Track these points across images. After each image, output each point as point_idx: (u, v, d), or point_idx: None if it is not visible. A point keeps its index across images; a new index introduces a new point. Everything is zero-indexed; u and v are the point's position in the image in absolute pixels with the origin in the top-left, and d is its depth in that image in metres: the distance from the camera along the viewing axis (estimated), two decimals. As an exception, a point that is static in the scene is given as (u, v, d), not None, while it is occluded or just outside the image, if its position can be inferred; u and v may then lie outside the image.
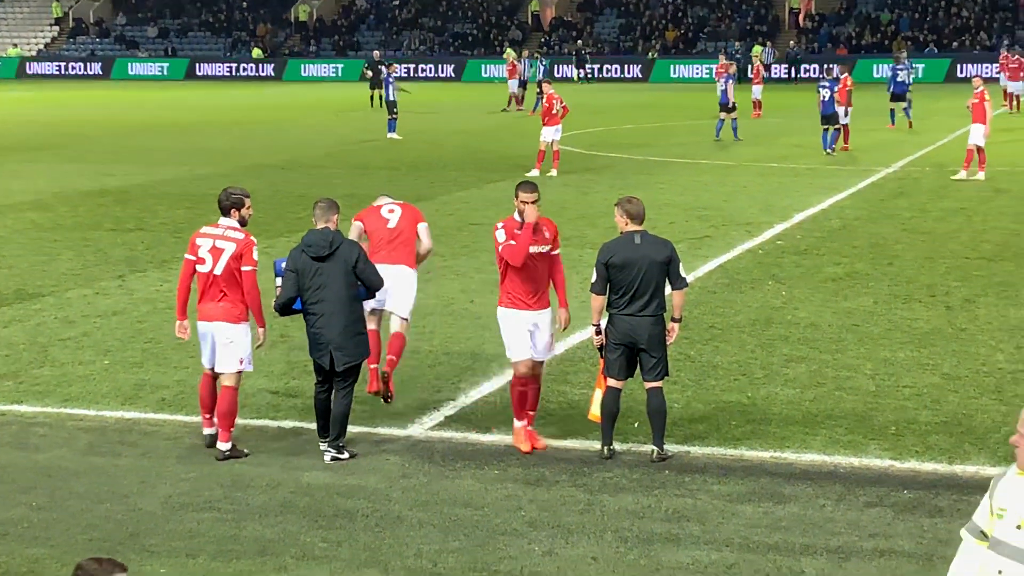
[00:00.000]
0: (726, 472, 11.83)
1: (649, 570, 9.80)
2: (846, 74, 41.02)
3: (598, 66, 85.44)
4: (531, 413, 12.56)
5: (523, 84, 60.73)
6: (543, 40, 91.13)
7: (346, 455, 12.19)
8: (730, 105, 43.52)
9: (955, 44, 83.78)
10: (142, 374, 15.27)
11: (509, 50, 72.51)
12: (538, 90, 46.07)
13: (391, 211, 14.16)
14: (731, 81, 44.66)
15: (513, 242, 12.23)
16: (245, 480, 11.72)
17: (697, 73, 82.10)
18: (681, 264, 12.24)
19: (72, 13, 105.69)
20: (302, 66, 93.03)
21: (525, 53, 65.98)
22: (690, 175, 33.91)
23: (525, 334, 12.35)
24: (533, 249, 12.25)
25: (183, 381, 14.65)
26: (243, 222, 12.44)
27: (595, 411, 12.29)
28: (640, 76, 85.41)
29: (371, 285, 12.32)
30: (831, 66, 44.68)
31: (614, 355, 12.13)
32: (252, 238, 12.34)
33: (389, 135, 44.80)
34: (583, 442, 12.55)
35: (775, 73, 78.90)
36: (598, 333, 12.26)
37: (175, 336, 12.89)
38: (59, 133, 47.68)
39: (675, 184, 31.86)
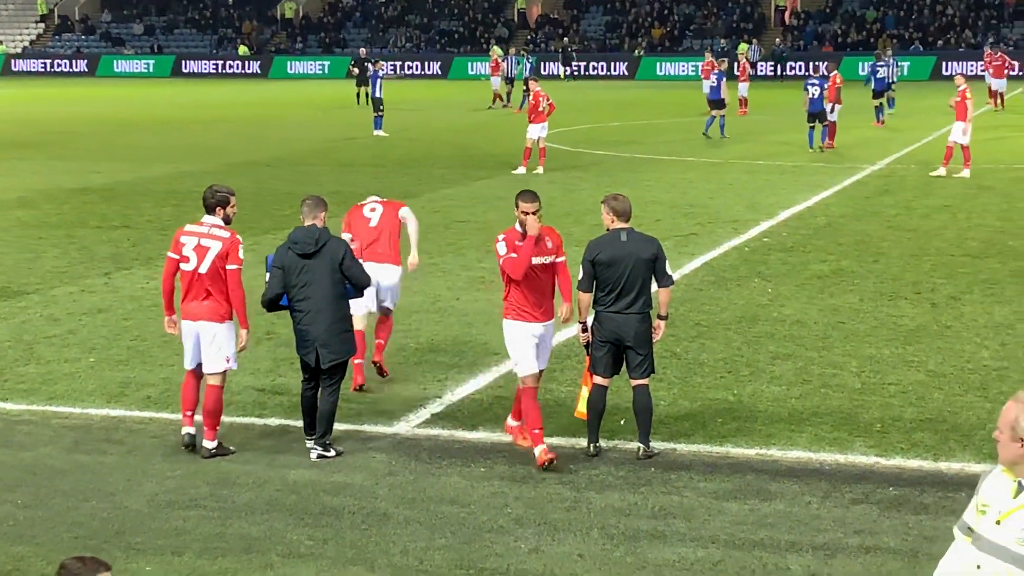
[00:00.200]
0: (712, 469, 11.84)
1: (635, 567, 9.80)
2: (835, 72, 41.11)
3: (584, 63, 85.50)
4: (537, 432, 12.05)
5: (510, 81, 60.74)
6: (529, 37, 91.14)
7: (332, 453, 12.18)
8: (721, 102, 43.67)
9: (940, 42, 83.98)
10: (128, 372, 15.24)
11: (495, 47, 72.52)
12: (524, 87, 46.07)
13: (372, 210, 14.68)
14: (724, 79, 44.88)
15: (515, 255, 11.92)
16: (231, 478, 11.71)
17: (683, 70, 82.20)
18: (667, 262, 12.25)
19: (57, 10, 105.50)
20: (288, 63, 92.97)
21: (511, 51, 65.91)
22: (676, 172, 33.93)
23: (532, 347, 12.09)
24: (536, 260, 11.96)
25: (169, 379, 14.62)
26: (228, 220, 12.40)
27: (582, 408, 12.30)
28: (626, 73, 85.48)
29: (357, 282, 12.31)
30: (819, 64, 44.75)
31: (600, 352, 12.13)
32: (238, 236, 12.30)
33: (375, 132, 44.78)
34: (569, 439, 12.56)
35: (761, 71, 78.99)
36: (584, 330, 12.26)
37: (164, 332, 12.85)
38: (44, 131, 47.58)
39: (661, 181, 31.88)
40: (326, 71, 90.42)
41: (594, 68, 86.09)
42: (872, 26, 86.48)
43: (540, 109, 34.15)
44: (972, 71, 65.91)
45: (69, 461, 12.23)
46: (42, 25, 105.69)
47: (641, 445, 12.14)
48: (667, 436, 12.65)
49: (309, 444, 12.25)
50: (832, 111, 39.51)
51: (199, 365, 12.37)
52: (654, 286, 12.20)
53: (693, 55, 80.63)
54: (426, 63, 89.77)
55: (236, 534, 10.45)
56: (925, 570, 9.62)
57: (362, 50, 66.42)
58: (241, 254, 12.21)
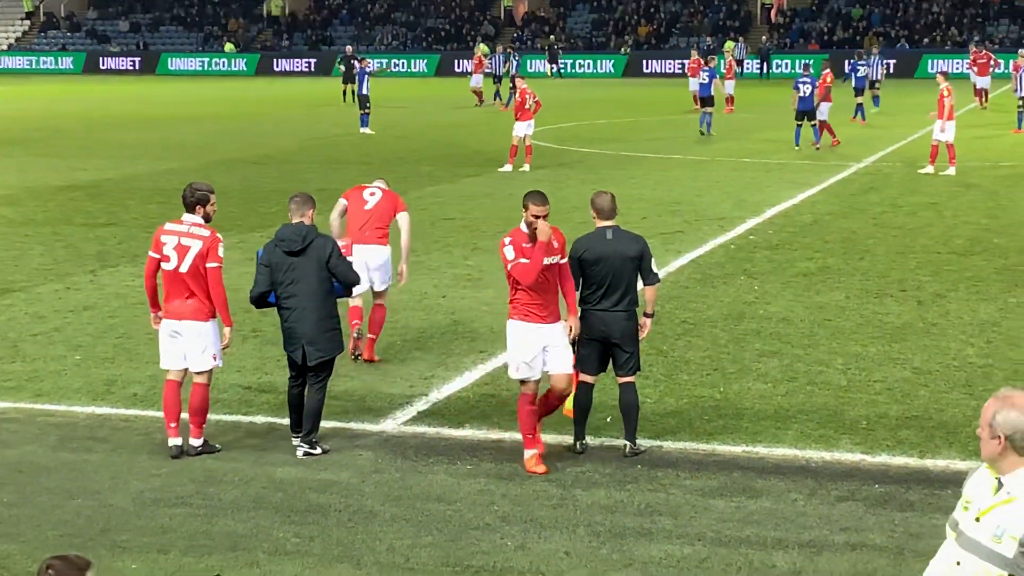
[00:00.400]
0: (698, 467, 11.85)
1: (621, 564, 9.81)
2: (827, 70, 41.19)
3: (570, 62, 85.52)
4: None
5: (498, 79, 60.68)
6: (515, 35, 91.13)
7: (319, 450, 12.17)
8: (712, 100, 43.81)
9: (926, 40, 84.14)
10: (113, 369, 15.21)
11: (482, 45, 72.49)
12: (511, 85, 46.06)
13: (372, 194, 15.45)
14: (716, 76, 45.00)
15: (525, 260, 11.56)
16: (217, 475, 11.69)
17: (669, 68, 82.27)
18: (653, 259, 12.25)
19: (43, 7, 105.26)
20: (274, 61, 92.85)
21: (499, 48, 65.90)
22: (663, 170, 33.95)
23: (536, 352, 11.74)
24: (544, 261, 11.65)
25: (154, 376, 14.58)
26: (208, 218, 12.33)
27: (568, 406, 12.30)
28: (613, 71, 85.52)
29: (344, 280, 12.29)
30: (807, 62, 44.85)
31: (587, 350, 12.13)
32: (218, 235, 12.25)
33: (362, 130, 44.74)
34: (555, 436, 12.55)
35: (747, 69, 79.07)
36: (569, 328, 12.25)
37: (150, 329, 12.82)
38: (30, 128, 47.47)
39: (648, 179, 31.90)
40: (312, 69, 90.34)
41: (580, 66, 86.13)
42: (858, 24, 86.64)
43: (526, 107, 34.13)
44: (958, 69, 66.02)
45: (54, 459, 12.20)
46: (28, 22, 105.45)
47: (627, 442, 12.14)
48: (653, 433, 12.66)
49: (295, 442, 12.24)
50: (820, 110, 39.52)
51: (181, 372, 12.31)
52: (640, 284, 12.20)
53: (680, 53, 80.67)
54: (413, 61, 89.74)
55: (222, 532, 10.44)
56: (911, 567, 9.65)
57: (348, 48, 66.35)
58: (221, 252, 12.16)
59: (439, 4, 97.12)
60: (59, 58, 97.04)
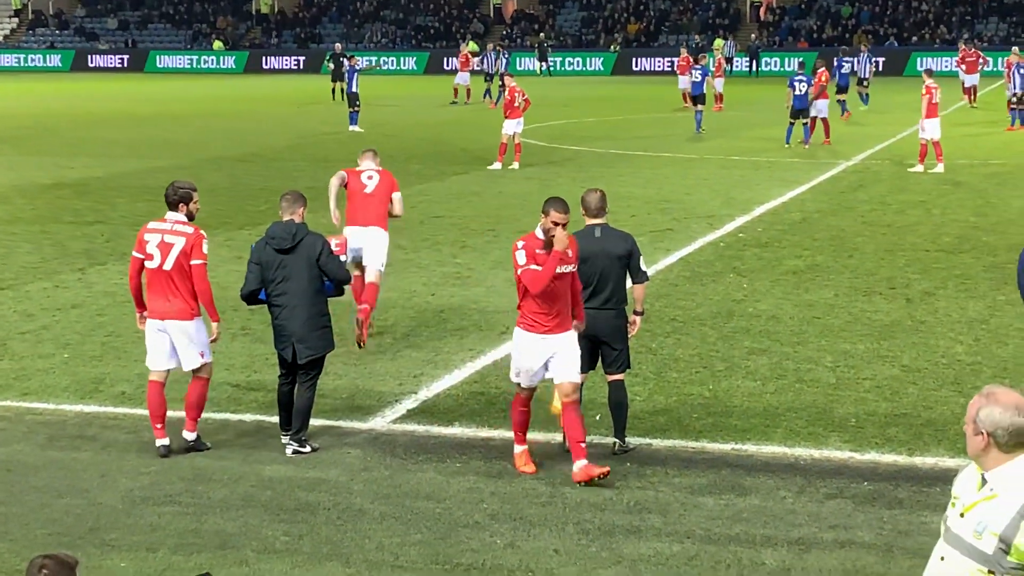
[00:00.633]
0: (687, 464, 11.86)
1: (611, 562, 9.81)
2: (823, 68, 41.25)
3: (559, 59, 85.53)
4: (582, 445, 11.37)
5: (490, 77, 60.63)
6: (505, 33, 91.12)
7: (308, 449, 12.16)
8: (704, 98, 43.87)
9: (915, 38, 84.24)
10: (102, 368, 15.19)
11: (472, 43, 72.43)
12: (500, 83, 46.04)
13: (370, 177, 16.47)
14: (708, 74, 45.04)
15: (536, 267, 11.18)
16: (206, 474, 11.68)
17: (659, 66, 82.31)
18: (642, 258, 12.24)
19: (31, 5, 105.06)
20: (263, 58, 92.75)
21: (489, 46, 65.88)
22: (652, 168, 33.96)
23: (538, 364, 11.43)
24: (557, 270, 11.26)
25: (142, 375, 14.50)
26: (191, 216, 12.31)
27: (557, 404, 12.29)
28: (602, 69, 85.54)
29: (335, 278, 12.27)
30: (802, 60, 44.96)
31: (576, 348, 12.11)
32: (201, 232, 12.23)
33: (351, 128, 44.70)
34: (545, 435, 12.55)
35: (736, 66, 79.12)
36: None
37: (138, 328, 12.79)
38: (18, 125, 47.38)
39: (637, 177, 31.91)
40: (301, 66, 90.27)
41: (570, 64, 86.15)
42: (847, 22, 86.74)
43: (516, 105, 34.12)
44: (947, 67, 66.15)
45: (43, 457, 12.18)
46: (16, 20, 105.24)
47: (616, 440, 12.15)
48: (642, 431, 12.66)
49: (285, 440, 12.23)
50: (817, 108, 39.56)
51: (164, 372, 12.28)
52: (629, 282, 12.20)
53: (669, 51, 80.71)
54: (402, 59, 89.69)
55: (211, 530, 10.43)
56: (899, 564, 9.66)
57: (337, 46, 66.29)
58: (205, 249, 12.15)
59: (428, 2, 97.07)
60: (47, 56, 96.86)
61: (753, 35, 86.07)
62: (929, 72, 34.34)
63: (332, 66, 58.87)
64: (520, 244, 11.37)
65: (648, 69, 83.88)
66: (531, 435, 12.51)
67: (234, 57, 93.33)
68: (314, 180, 30.05)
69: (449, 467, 11.83)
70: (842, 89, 48.25)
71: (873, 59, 55.21)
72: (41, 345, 16.22)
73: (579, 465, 11.31)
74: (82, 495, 11.20)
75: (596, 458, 11.80)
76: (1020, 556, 5.78)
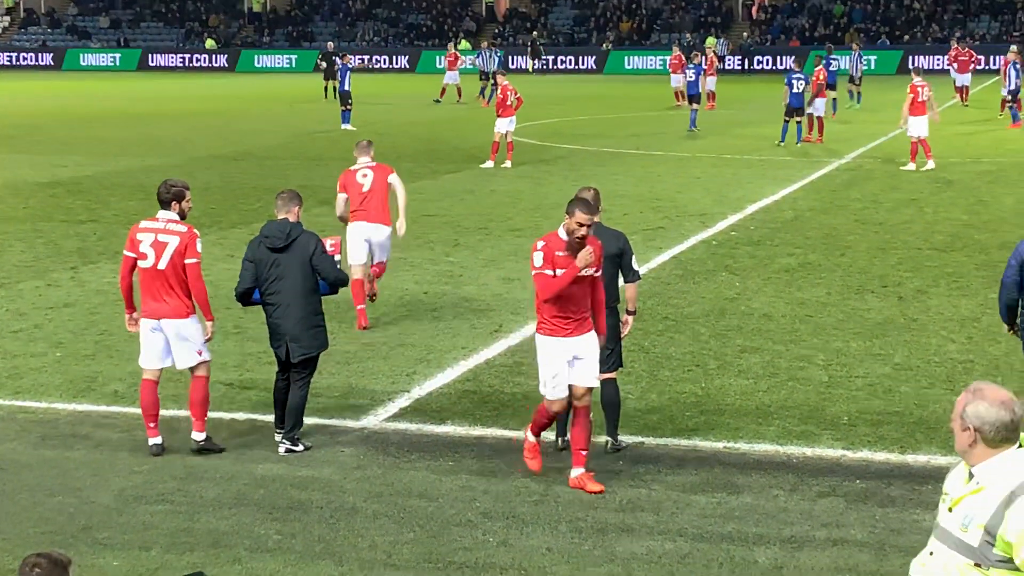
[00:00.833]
0: (680, 463, 11.87)
1: (603, 560, 9.82)
2: (820, 66, 41.24)
3: (552, 57, 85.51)
4: (583, 453, 11.26)
5: (484, 76, 60.57)
6: (497, 31, 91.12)
7: (300, 447, 12.15)
8: (698, 96, 43.89)
9: (907, 36, 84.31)
10: (94, 366, 15.18)
11: (464, 42, 72.38)
12: (492, 81, 46.02)
13: (364, 175, 17.08)
14: (701, 72, 45.05)
15: (550, 272, 10.89)
16: (199, 472, 11.67)
17: (651, 64, 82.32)
18: (634, 257, 12.22)
19: (23, 3, 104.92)
20: (255, 57, 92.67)
21: (484, 44, 65.85)
22: (644, 166, 33.97)
23: (563, 367, 11.15)
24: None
25: (135, 373, 14.50)
26: (183, 215, 12.28)
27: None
28: (594, 67, 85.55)
29: (327, 277, 12.25)
30: (795, 59, 44.91)
31: (568, 346, 12.08)
32: (195, 230, 12.20)
33: (343, 126, 44.68)
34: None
35: (728, 65, 79.16)
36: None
37: (127, 330, 12.78)
38: (9, 124, 47.30)
39: (629, 175, 31.91)
40: (293, 65, 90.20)
41: (562, 62, 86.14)
42: (840, 20, 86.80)
43: (508, 103, 34.11)
44: (939, 66, 66.23)
45: (35, 456, 12.17)
46: (7, 18, 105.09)
47: (609, 439, 12.16)
48: (635, 430, 12.67)
49: (278, 438, 12.22)
50: (810, 103, 39.59)
51: (157, 371, 12.27)
52: (621, 280, 12.20)
53: (661, 49, 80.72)
54: (394, 57, 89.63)
55: (204, 529, 10.42)
56: (892, 562, 9.68)
57: (329, 44, 66.26)
58: (199, 247, 12.12)
59: (420, 0, 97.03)
60: (39, 54, 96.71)
61: (745, 33, 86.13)
62: (917, 71, 34.46)
63: (324, 65, 58.80)
64: (539, 245, 11.05)
65: (640, 67, 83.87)
66: (523, 433, 12.52)
67: (226, 55, 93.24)
68: (307, 179, 30.09)
69: (442, 465, 11.83)
70: (830, 87, 48.16)
71: (864, 57, 55.20)
72: (33, 344, 16.21)
73: (576, 472, 11.26)
74: (75, 494, 11.20)
75: (588, 458, 11.82)
76: (1005, 548, 5.81)
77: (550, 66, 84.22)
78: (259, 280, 12.16)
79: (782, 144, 38.28)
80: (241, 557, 9.88)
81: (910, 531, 10.17)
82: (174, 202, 12.23)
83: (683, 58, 52.93)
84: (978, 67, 57.79)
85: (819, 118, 39.69)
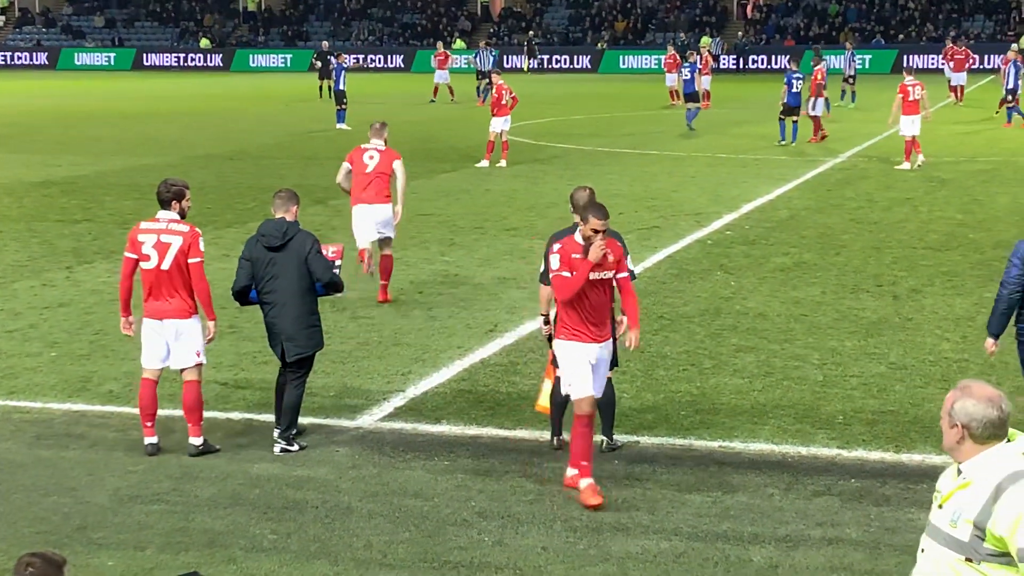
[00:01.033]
0: (675, 462, 11.87)
1: (599, 559, 9.82)
2: (819, 66, 41.27)
3: (548, 56, 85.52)
4: (583, 464, 11.00)
5: (481, 75, 60.57)
6: (492, 31, 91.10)
7: (295, 447, 12.15)
8: (696, 95, 43.89)
9: (901, 36, 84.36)
10: (89, 366, 15.17)
11: (459, 41, 72.34)
12: (487, 81, 46.02)
13: (371, 157, 18.21)
14: (696, 71, 45.08)
15: (567, 274, 10.82)
16: (194, 472, 11.67)
17: (646, 64, 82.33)
18: (629, 256, 12.21)
19: (18, 3, 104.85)
20: (250, 56, 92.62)
21: (481, 43, 65.80)
22: (639, 165, 33.98)
23: (588, 368, 10.99)
24: (592, 276, 10.90)
25: (131, 373, 14.54)
26: (183, 214, 12.27)
27: (543, 402, 12.28)
28: (589, 67, 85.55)
29: (319, 278, 12.20)
30: (790, 58, 44.94)
31: (563, 346, 12.08)
32: (197, 229, 12.20)
33: (338, 126, 44.67)
34: (532, 432, 12.57)
35: (723, 64, 79.18)
36: (547, 323, 12.24)
37: (122, 332, 12.75)
38: (4, 124, 47.24)
39: (624, 174, 31.92)
40: (288, 64, 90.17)
41: (557, 61, 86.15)
42: (834, 19, 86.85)
43: (503, 103, 34.12)
44: (933, 65, 66.25)
45: (30, 456, 12.16)
46: (2, 18, 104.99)
47: (604, 438, 12.16)
48: (630, 429, 12.67)
49: (276, 435, 12.20)
50: (814, 106, 39.61)
51: (157, 371, 12.26)
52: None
53: (656, 48, 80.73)
54: (389, 56, 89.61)
55: (199, 528, 10.42)
56: (887, 561, 9.69)
57: (324, 43, 66.23)
58: (202, 246, 12.11)
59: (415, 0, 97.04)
60: (34, 54, 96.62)
61: (740, 33, 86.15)
62: (910, 70, 34.55)
63: (319, 64, 58.77)
64: (556, 247, 11.00)
65: (635, 67, 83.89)
66: (520, 433, 12.55)
67: (221, 55, 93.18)
68: (302, 178, 30.09)
69: (437, 465, 11.83)
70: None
71: (857, 56, 55.24)
72: (28, 343, 16.20)
73: (571, 474, 11.16)
74: (70, 493, 11.19)
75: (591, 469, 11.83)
76: (995, 541, 5.83)
77: (545, 65, 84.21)
78: (255, 279, 12.16)
79: (783, 143, 38.24)
80: (236, 557, 9.88)
81: (905, 530, 10.18)
82: (174, 201, 12.20)
83: (678, 57, 52.96)
84: (972, 66, 57.79)
85: (815, 117, 39.69)
